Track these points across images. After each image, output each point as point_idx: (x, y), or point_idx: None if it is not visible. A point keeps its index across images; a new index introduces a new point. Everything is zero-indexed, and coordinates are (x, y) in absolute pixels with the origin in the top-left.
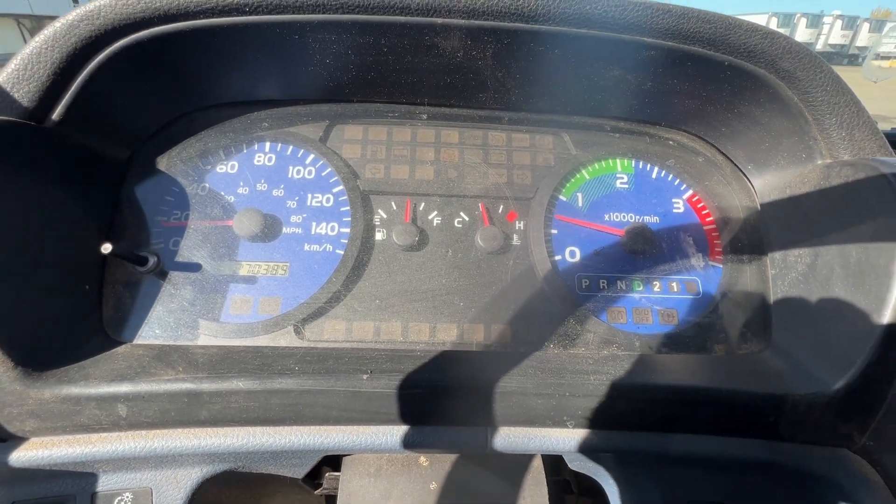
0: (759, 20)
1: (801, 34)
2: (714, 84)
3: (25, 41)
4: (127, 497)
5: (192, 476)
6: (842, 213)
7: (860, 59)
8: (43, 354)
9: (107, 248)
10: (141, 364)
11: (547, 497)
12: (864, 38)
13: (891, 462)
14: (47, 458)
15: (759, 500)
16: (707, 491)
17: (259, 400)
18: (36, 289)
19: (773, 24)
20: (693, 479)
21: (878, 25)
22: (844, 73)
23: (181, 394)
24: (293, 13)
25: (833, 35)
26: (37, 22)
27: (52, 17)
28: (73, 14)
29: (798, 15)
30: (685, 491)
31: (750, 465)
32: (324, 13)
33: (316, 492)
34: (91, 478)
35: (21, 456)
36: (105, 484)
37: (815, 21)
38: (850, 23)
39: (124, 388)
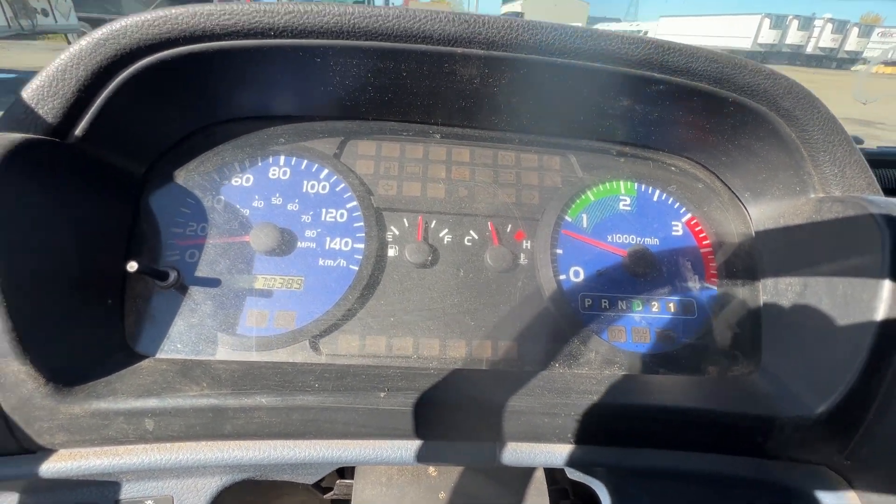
0: (752, 21)
1: (793, 36)
2: (717, 118)
3: (4, 12)
4: None
5: (212, 485)
6: (831, 246)
7: (848, 65)
8: (71, 370)
9: (133, 266)
10: (165, 379)
11: None
12: (853, 42)
13: (863, 480)
14: (75, 469)
15: None
16: (697, 502)
17: (281, 415)
18: (62, 305)
19: (766, 26)
20: (683, 490)
21: (866, 31)
22: (834, 76)
23: (206, 409)
24: (318, 38)
25: (823, 38)
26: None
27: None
28: (100, 32)
29: (790, 17)
30: (676, 501)
31: (737, 481)
32: (348, 39)
33: (325, 496)
34: (115, 486)
35: (50, 467)
36: (128, 492)
37: (806, 24)
38: (840, 27)
39: (151, 403)
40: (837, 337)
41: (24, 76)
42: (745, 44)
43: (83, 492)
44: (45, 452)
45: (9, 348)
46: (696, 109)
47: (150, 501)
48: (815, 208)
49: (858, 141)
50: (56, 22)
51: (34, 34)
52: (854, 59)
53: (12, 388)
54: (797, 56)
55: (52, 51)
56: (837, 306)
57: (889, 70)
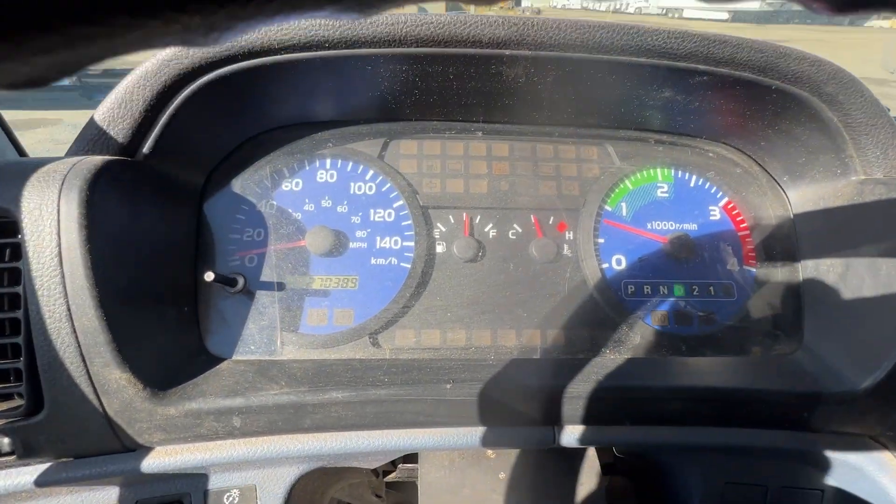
0: None
1: None
2: (759, 105)
3: None
4: (234, 493)
5: (291, 473)
6: (873, 228)
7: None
8: (162, 375)
9: (210, 276)
10: (246, 379)
11: (601, 483)
12: None
13: None
14: (170, 463)
15: (787, 479)
16: (741, 473)
17: (355, 409)
18: (151, 316)
19: None
20: (729, 463)
21: None
22: (846, 34)
23: (287, 406)
24: (370, 48)
25: None
26: None
27: None
28: (163, 53)
29: None
30: (723, 473)
31: (781, 453)
32: (399, 47)
33: (385, 479)
34: (203, 478)
35: (149, 463)
36: (216, 483)
37: None
38: None
39: (238, 402)
40: (881, 316)
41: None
42: (753, 4)
43: (176, 483)
44: (144, 450)
45: (111, 358)
46: (738, 97)
47: (236, 490)
48: (856, 191)
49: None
50: None
51: None
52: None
53: (115, 394)
54: (808, 15)
55: None
56: (881, 286)
57: None
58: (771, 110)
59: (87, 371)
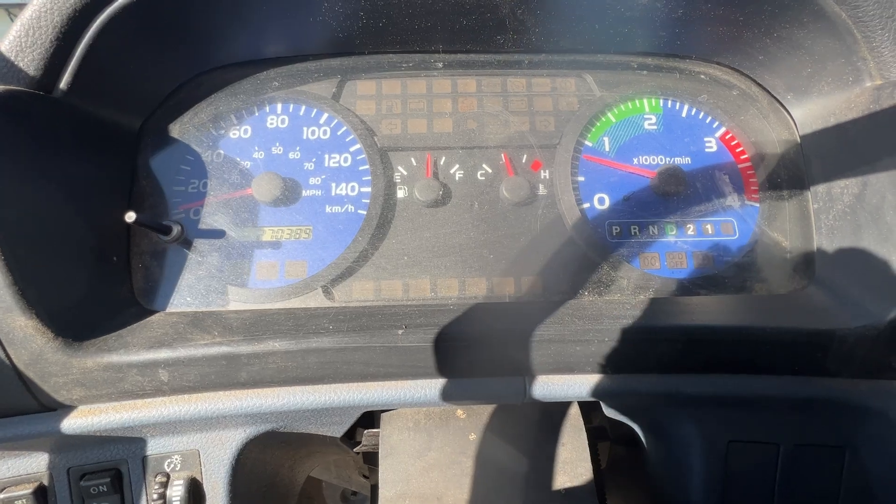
0: None
1: None
2: (752, 6)
3: None
4: (176, 459)
5: (236, 437)
6: (894, 137)
7: None
8: (81, 325)
9: (130, 216)
10: (177, 330)
11: (587, 443)
12: None
13: None
14: (96, 424)
15: (802, 435)
16: (748, 430)
17: (296, 359)
18: (67, 261)
19: None
20: (733, 418)
21: None
22: None
23: (219, 357)
24: None
25: None
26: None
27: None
28: None
29: None
30: (725, 431)
31: (794, 403)
32: None
33: (354, 450)
34: (140, 443)
35: (71, 423)
36: (154, 448)
37: None
38: None
39: (163, 354)
40: None
41: None
42: None
43: (110, 449)
44: (65, 409)
45: (12, 302)
46: None
47: (177, 456)
48: (872, 98)
49: None
50: None
51: None
52: None
53: (22, 344)
54: None
55: None
56: None
57: None
58: (767, 12)
59: None
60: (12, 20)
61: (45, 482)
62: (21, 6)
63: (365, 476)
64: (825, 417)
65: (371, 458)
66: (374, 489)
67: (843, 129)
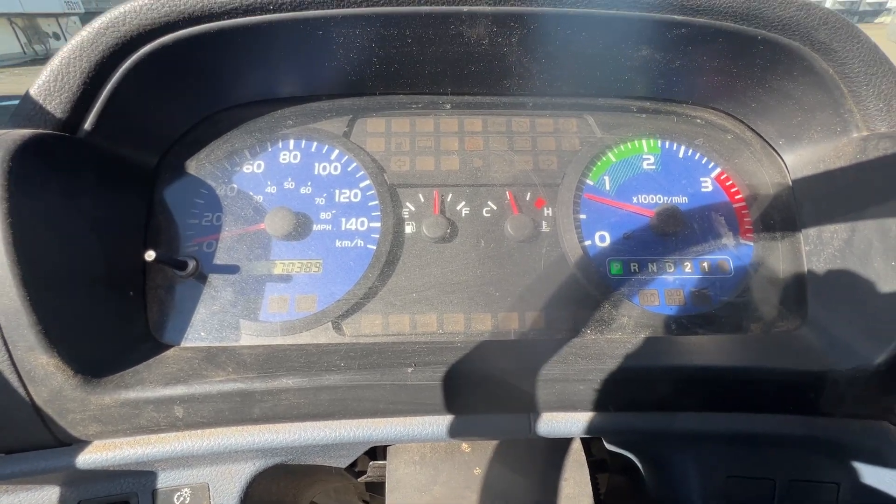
0: None
1: None
2: (745, 59)
3: (18, 39)
4: (186, 493)
5: (246, 471)
6: (880, 186)
7: (870, 17)
8: (99, 361)
9: (150, 255)
10: (192, 366)
11: (589, 478)
12: None
13: None
14: (110, 459)
15: (797, 472)
16: (745, 465)
17: (308, 396)
18: (86, 299)
19: None
20: (730, 454)
21: None
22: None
23: (234, 394)
24: (317, 9)
25: None
26: (28, 20)
27: (44, 15)
28: (100, 21)
29: None
30: (723, 467)
31: (789, 441)
32: (348, 7)
33: (359, 479)
34: (151, 476)
35: (86, 458)
36: (164, 481)
37: None
38: None
39: (179, 390)
40: (893, 281)
41: None
42: None
43: (121, 482)
44: (80, 444)
45: (35, 341)
46: (722, 52)
47: (187, 489)
48: (858, 148)
49: None
50: None
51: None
52: (878, 10)
53: (42, 382)
54: None
55: None
56: (891, 249)
57: None
58: (759, 65)
59: (10, 356)
60: (14, 28)
61: None
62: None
63: (365, 502)
64: (819, 454)
65: (374, 487)
66: None
67: (833, 176)
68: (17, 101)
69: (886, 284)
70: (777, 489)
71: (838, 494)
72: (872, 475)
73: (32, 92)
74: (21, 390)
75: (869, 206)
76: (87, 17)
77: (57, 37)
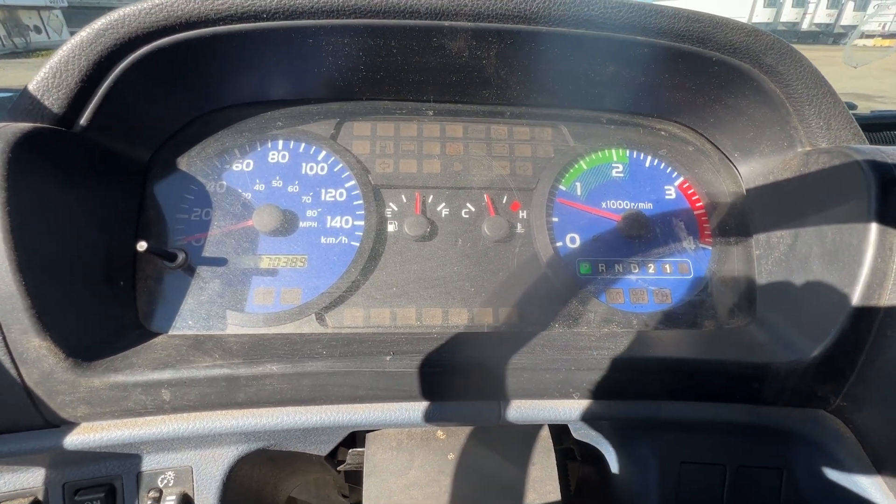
0: (745, 1)
1: (787, 14)
2: (703, 78)
3: None
4: (169, 475)
5: (228, 455)
6: (819, 196)
7: (845, 40)
8: (89, 346)
9: (142, 245)
10: (179, 353)
11: (555, 464)
12: (849, 16)
13: (861, 420)
14: (97, 440)
15: (745, 458)
16: (698, 452)
17: (291, 382)
18: (79, 287)
19: (760, 4)
20: (685, 442)
21: (862, 3)
22: (830, 52)
23: (220, 378)
24: (308, 18)
25: (819, 14)
26: (9, 13)
27: (26, 7)
28: (100, 22)
29: None
30: (678, 453)
31: (736, 427)
32: (337, 18)
33: (338, 468)
34: (136, 459)
35: (73, 440)
36: (149, 464)
37: (800, 1)
38: (835, 2)
39: (167, 374)
40: (828, 283)
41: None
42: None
43: (106, 465)
44: (68, 426)
45: (29, 324)
46: (682, 71)
47: (170, 472)
48: (802, 161)
49: (851, 107)
50: (49, 38)
51: (28, 52)
52: (850, 33)
53: (34, 364)
54: (793, 34)
55: None
56: (827, 254)
57: (887, 42)
58: (716, 84)
59: (4, 338)
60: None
61: (41, 497)
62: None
63: (344, 496)
64: (764, 441)
65: (352, 477)
66: None
67: (780, 187)
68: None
69: (822, 287)
70: (727, 474)
71: (782, 479)
72: (812, 461)
73: (31, 87)
74: (13, 371)
75: (810, 214)
76: (70, 11)
77: (38, 30)
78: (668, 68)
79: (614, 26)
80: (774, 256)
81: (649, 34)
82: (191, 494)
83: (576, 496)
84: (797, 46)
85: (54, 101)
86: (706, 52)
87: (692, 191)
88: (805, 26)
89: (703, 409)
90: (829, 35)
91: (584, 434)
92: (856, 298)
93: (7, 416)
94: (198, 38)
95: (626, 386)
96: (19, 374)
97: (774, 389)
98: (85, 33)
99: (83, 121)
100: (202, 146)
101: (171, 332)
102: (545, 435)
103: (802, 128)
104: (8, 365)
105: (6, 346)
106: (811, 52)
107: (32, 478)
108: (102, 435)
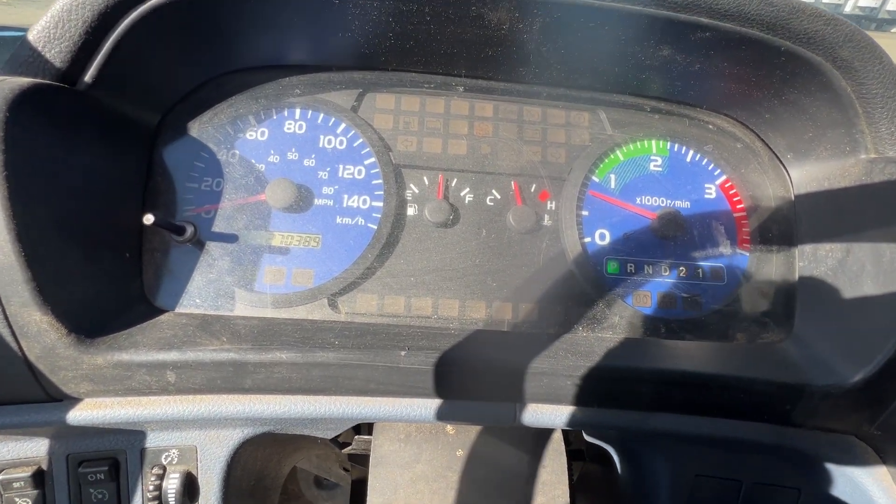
0: None
1: None
2: (765, 69)
3: None
4: (174, 453)
5: (234, 437)
6: (881, 210)
7: (889, 25)
8: (92, 321)
9: (149, 218)
10: (186, 333)
11: (566, 468)
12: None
13: (895, 450)
14: (100, 417)
15: (763, 475)
16: (714, 466)
17: (301, 371)
18: (81, 257)
19: None
20: (701, 454)
21: None
22: (875, 38)
23: (227, 363)
24: None
25: None
26: None
27: None
28: None
29: None
30: (693, 465)
31: (758, 447)
32: None
33: (343, 451)
34: (140, 435)
35: (76, 415)
36: (153, 441)
37: None
38: None
39: (172, 356)
40: (879, 305)
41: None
42: None
43: (111, 439)
44: (71, 401)
45: (29, 297)
46: (744, 60)
47: (175, 450)
48: (865, 170)
49: None
50: None
51: None
52: None
53: (35, 338)
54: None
55: None
56: (882, 274)
57: None
58: (779, 76)
59: (3, 311)
60: None
61: (44, 466)
62: None
63: (345, 469)
64: (784, 461)
65: (356, 458)
66: (357, 484)
67: (835, 195)
68: None
69: (871, 308)
70: (742, 491)
71: (798, 499)
72: (832, 485)
73: (31, 37)
74: (14, 345)
75: (867, 229)
76: None
77: None
78: (729, 56)
79: (676, 5)
80: (820, 270)
81: (714, 16)
82: (194, 473)
83: (579, 495)
84: None
85: (56, 54)
86: (775, 41)
87: (734, 191)
88: (848, 9)
89: (727, 425)
90: (872, 20)
91: (598, 437)
92: None
93: (8, 388)
94: None
95: (649, 398)
96: (20, 348)
97: (806, 412)
98: None
99: (88, 77)
100: (214, 111)
101: (177, 310)
102: (557, 437)
103: (870, 132)
104: (8, 338)
105: (6, 319)
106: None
107: (36, 447)
108: (106, 412)
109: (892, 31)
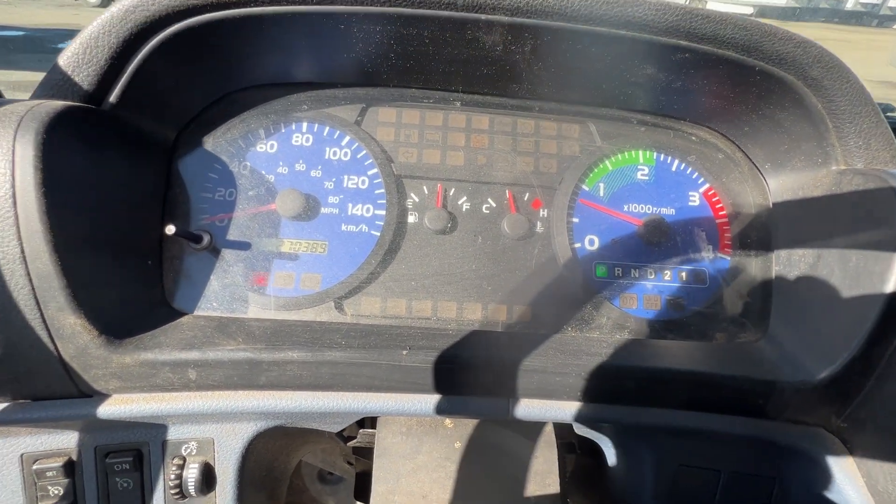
0: None
1: None
2: (742, 87)
3: None
4: (193, 445)
5: (248, 430)
6: (848, 218)
7: (891, 21)
8: (120, 324)
9: (171, 229)
10: (205, 334)
11: (557, 457)
12: None
13: (859, 442)
14: (127, 412)
15: (740, 465)
16: (695, 456)
17: (311, 369)
18: (110, 265)
19: None
20: (683, 446)
21: None
22: (874, 35)
23: (243, 362)
24: (342, 4)
25: None
26: None
27: None
28: (129, 0)
29: None
30: (676, 456)
31: (735, 438)
32: (371, 5)
33: (348, 444)
34: (162, 428)
35: (105, 410)
36: (174, 434)
37: None
38: None
39: (193, 355)
40: (845, 307)
41: (32, 34)
42: (779, 0)
43: (135, 432)
44: (101, 397)
45: (65, 303)
46: (721, 78)
47: (193, 442)
48: (835, 180)
49: (889, 109)
50: None
51: None
52: None
53: (70, 339)
54: (835, 13)
55: (58, 6)
56: (848, 278)
57: None
58: (755, 93)
59: (42, 315)
60: None
61: (74, 457)
62: None
63: (350, 463)
64: (760, 452)
65: (360, 451)
66: (360, 477)
67: (808, 204)
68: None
69: (838, 310)
70: (722, 479)
71: (774, 487)
72: (806, 474)
73: (61, 62)
74: (50, 346)
75: (835, 235)
76: None
77: None
78: (708, 74)
79: (657, 29)
80: (794, 274)
81: (693, 39)
82: (212, 463)
83: (572, 487)
84: (839, 27)
85: (84, 78)
86: (749, 61)
87: (717, 199)
88: (849, 5)
89: (706, 418)
90: (873, 17)
91: (586, 431)
92: (870, 326)
93: (45, 385)
94: (227, 19)
95: (633, 394)
96: (56, 349)
97: (778, 406)
98: (115, 9)
99: (112, 98)
100: (227, 126)
101: (196, 313)
102: (549, 430)
103: (840, 145)
104: (46, 340)
105: (44, 322)
106: (854, 35)
107: (67, 440)
108: (132, 407)
109: (894, 27)
